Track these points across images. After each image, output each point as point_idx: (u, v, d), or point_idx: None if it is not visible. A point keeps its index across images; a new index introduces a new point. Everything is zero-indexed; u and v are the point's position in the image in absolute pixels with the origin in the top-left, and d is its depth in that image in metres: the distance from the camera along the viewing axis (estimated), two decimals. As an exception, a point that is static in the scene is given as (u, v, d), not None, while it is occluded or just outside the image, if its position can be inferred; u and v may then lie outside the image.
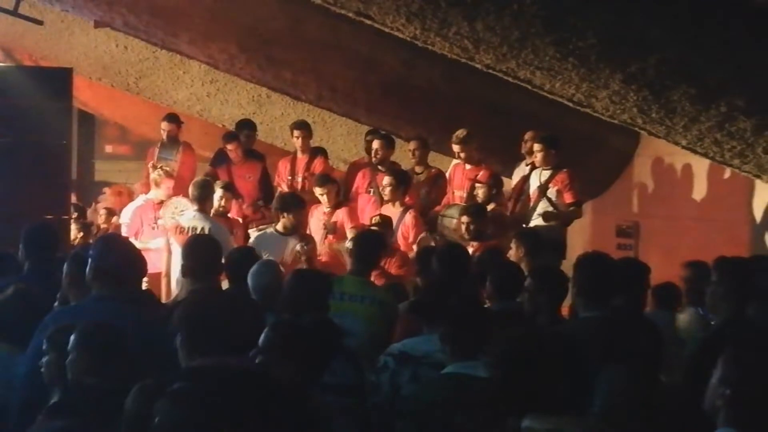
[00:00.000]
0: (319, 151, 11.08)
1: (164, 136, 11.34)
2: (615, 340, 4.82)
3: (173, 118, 11.50)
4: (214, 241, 6.35)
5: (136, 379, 3.50)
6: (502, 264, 7.14)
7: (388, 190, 9.53)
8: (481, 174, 9.76)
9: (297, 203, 9.28)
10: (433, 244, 8.94)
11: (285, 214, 9.12)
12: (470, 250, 8.36)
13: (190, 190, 9.50)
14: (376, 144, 10.29)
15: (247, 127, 11.45)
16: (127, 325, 4.12)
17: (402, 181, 9.59)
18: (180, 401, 2.82)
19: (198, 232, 8.94)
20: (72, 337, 3.82)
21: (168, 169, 10.53)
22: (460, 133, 9.87)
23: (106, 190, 13.10)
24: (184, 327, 3.61)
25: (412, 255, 8.81)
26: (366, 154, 10.78)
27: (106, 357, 3.64)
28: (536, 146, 9.53)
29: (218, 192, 9.84)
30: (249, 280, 6.19)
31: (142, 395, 3.36)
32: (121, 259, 4.74)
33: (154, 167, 10.59)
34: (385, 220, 9.07)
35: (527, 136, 9.87)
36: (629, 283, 5.92)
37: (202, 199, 9.34)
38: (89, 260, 4.73)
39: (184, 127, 11.57)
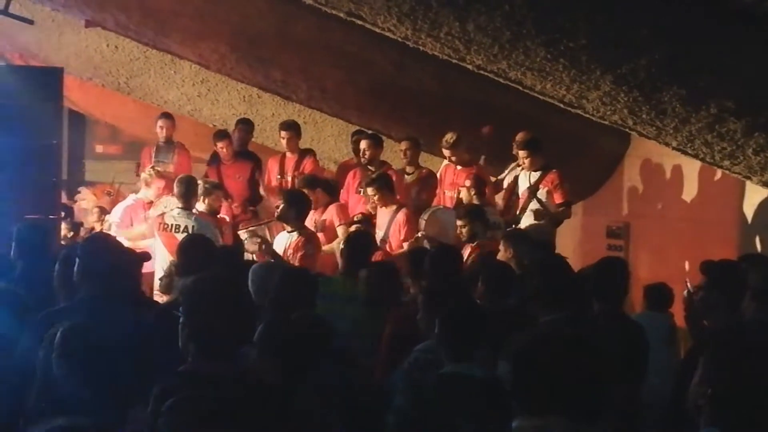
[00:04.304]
0: (309, 151, 11.07)
1: (161, 135, 11.31)
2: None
3: (170, 116, 11.54)
4: (206, 240, 6.35)
5: (125, 379, 3.50)
6: (494, 264, 7.15)
7: (375, 199, 9.49)
8: (467, 177, 9.73)
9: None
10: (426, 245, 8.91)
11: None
12: (466, 252, 8.34)
13: (175, 187, 9.43)
14: (363, 144, 10.27)
15: (242, 122, 11.53)
16: (115, 325, 4.11)
17: (384, 185, 9.50)
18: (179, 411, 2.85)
19: (181, 229, 8.93)
20: (55, 340, 3.82)
21: (159, 168, 10.51)
22: (450, 137, 9.85)
23: (82, 189, 13.07)
24: (186, 305, 3.67)
25: (401, 252, 8.80)
26: (354, 154, 10.77)
27: (86, 360, 3.63)
28: (521, 153, 9.56)
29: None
30: (250, 281, 6.16)
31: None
32: (109, 258, 4.72)
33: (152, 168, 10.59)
34: (366, 218, 9.08)
35: (518, 137, 9.86)
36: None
37: (187, 196, 9.27)
38: (77, 260, 4.71)
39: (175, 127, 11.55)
